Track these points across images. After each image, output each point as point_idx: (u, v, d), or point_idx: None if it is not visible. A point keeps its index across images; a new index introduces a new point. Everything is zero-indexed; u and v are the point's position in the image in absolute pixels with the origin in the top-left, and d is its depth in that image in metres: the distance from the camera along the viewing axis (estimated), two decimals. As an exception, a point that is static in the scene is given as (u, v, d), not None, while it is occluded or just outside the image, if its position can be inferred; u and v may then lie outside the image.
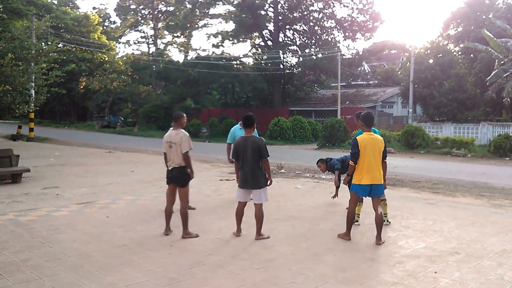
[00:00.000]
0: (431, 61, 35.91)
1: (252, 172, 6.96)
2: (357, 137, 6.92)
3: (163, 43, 63.02)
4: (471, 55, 37.60)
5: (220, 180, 13.51)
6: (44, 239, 6.93)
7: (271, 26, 45.36)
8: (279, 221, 8.19)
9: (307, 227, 7.85)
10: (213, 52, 49.00)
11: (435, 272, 5.68)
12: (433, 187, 12.97)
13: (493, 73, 28.74)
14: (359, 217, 8.16)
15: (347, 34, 43.30)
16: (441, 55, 35.56)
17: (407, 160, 21.21)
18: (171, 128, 7.33)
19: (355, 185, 6.98)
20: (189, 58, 54.03)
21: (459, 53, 39.59)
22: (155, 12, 59.38)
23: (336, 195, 9.95)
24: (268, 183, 7.15)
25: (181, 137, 6.97)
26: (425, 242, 7.05)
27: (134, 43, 66.07)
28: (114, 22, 65.73)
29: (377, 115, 40.79)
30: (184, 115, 7.36)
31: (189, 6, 50.03)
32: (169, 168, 7.16)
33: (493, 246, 6.84)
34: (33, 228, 7.50)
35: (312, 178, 14.64)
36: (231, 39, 48.03)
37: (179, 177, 7.11)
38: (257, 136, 7.33)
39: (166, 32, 60.11)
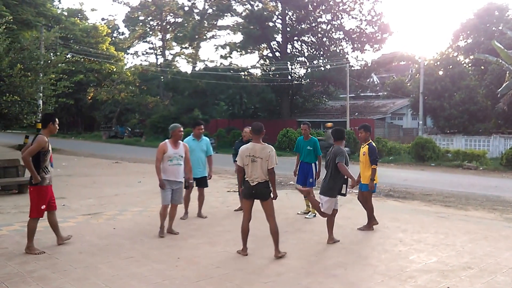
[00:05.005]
0: (441, 72, 35.72)
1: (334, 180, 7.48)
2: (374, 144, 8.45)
3: (171, 54, 63.43)
4: (482, 67, 37.46)
5: (228, 191, 13.38)
6: (50, 250, 6.86)
7: (279, 38, 45.45)
8: (288, 233, 8.06)
9: (316, 240, 7.72)
10: (221, 63, 49.09)
11: (448, 288, 5.54)
12: (444, 200, 12.79)
13: (504, 84, 28.53)
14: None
15: (355, 45, 43.24)
16: (451, 66, 35.35)
17: (418, 172, 21.04)
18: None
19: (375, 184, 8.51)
20: (197, 69, 54.19)
21: (469, 64, 39.43)
22: (164, 24, 59.74)
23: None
24: (343, 191, 7.58)
25: (268, 152, 6.60)
26: (437, 256, 6.90)
27: (142, 54, 66.48)
28: (123, 33, 66.38)
29: (387, 126, 40.61)
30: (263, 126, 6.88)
31: (197, 17, 50.23)
32: (252, 184, 6.61)
33: (507, 261, 6.68)
34: (39, 239, 7.40)
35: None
36: (239, 50, 48.06)
37: (263, 191, 6.65)
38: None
39: (174, 43, 60.50)
